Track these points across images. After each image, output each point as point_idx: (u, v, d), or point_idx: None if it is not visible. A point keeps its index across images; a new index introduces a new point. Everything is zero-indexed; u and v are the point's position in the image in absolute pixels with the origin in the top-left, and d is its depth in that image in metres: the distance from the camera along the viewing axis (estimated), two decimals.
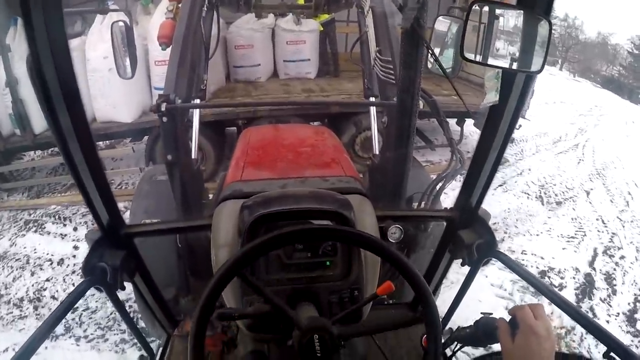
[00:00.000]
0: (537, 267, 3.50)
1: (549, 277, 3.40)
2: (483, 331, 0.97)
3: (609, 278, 3.48)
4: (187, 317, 1.53)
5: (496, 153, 1.06)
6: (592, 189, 5.13)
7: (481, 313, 0.99)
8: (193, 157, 2.04)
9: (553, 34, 0.85)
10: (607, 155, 6.47)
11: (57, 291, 3.13)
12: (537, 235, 3.98)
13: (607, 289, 3.36)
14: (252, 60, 5.45)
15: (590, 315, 3.07)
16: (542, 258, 3.62)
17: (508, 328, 0.84)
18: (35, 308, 3.00)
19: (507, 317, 0.88)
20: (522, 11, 0.85)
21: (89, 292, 1.04)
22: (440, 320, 1.28)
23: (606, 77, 18.11)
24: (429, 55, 1.32)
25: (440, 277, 1.44)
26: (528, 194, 4.78)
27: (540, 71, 0.83)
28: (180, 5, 2.13)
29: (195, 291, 1.95)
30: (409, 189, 1.74)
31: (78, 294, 1.00)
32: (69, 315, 2.82)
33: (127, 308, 1.28)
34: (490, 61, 0.90)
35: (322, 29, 5.66)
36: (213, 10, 2.35)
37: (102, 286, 1.06)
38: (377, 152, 2.20)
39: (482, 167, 1.09)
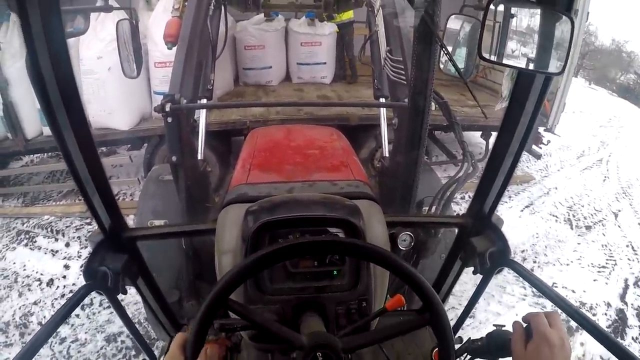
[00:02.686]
0: None
1: None
2: (495, 344, 0.92)
3: None
4: (190, 321, 1.49)
5: (511, 159, 1.00)
6: (619, 210, 4.87)
7: (494, 325, 0.94)
8: (199, 158, 2.01)
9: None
10: (631, 171, 6.20)
11: (44, 317, 2.92)
12: (568, 264, 3.73)
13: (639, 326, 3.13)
14: (263, 62, 5.12)
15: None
16: (573, 292, 3.38)
17: (523, 334, 0.80)
18: (22, 335, 2.80)
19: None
20: (541, 9, 0.80)
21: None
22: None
23: (622, 86, 17.71)
24: (442, 54, 1.28)
25: (451, 285, 1.40)
26: (556, 217, 4.50)
27: (561, 73, 0.78)
28: (186, 3, 2.04)
29: (200, 295, 1.91)
30: (419, 192, 1.69)
31: (78, 299, 0.96)
32: (57, 347, 2.64)
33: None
34: (507, 61, 0.86)
35: (338, 30, 5.32)
36: (220, 8, 2.29)
37: (102, 291, 1.03)
38: (387, 155, 2.15)
39: (497, 173, 1.04)
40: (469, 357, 1.01)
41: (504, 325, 0.92)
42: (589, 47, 17.06)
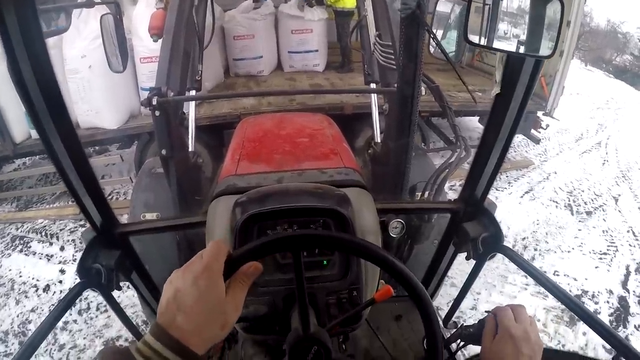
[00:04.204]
0: (571, 291, 3.22)
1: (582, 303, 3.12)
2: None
3: None
4: None
5: (502, 143, 1.01)
6: (619, 195, 4.83)
7: (486, 312, 0.93)
8: (190, 149, 1.99)
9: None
10: (630, 154, 6.15)
11: None
12: (569, 252, 3.70)
13: None
14: (254, 52, 4.98)
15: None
16: (575, 279, 3.35)
17: (492, 328, 0.81)
18: (21, 344, 2.75)
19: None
20: None
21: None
22: (445, 314, 1.38)
23: (618, 67, 17.56)
24: (431, 39, 1.27)
25: (444, 271, 1.41)
26: (557, 202, 4.46)
27: (551, 55, 0.76)
28: None
29: None
30: (413, 178, 1.67)
31: (72, 296, 0.98)
32: (56, 355, 2.62)
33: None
34: (495, 45, 0.83)
35: (332, 17, 5.17)
36: None
37: (96, 288, 1.04)
38: (378, 140, 2.12)
39: (488, 158, 1.04)
40: (462, 343, 1.03)
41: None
42: (584, 29, 16.85)
